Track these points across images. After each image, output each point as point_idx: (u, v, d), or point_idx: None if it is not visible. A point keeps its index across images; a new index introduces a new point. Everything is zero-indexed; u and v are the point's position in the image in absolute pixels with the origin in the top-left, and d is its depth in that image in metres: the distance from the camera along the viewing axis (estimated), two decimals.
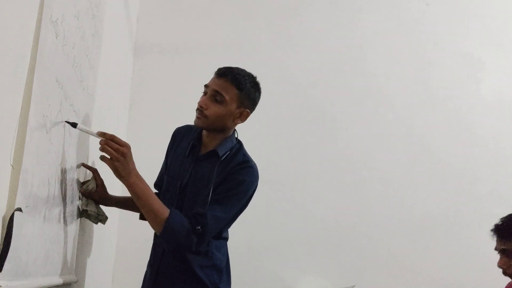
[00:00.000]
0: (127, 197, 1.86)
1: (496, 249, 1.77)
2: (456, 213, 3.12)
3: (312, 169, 3.15)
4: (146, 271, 1.89)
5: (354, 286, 2.80)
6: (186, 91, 3.16)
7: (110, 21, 2.21)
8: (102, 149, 1.50)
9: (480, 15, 3.39)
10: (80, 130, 1.53)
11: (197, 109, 1.73)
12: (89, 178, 1.85)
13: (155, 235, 1.82)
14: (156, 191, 1.96)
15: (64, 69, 1.44)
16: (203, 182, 1.72)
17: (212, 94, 1.72)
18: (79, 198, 1.78)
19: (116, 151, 1.48)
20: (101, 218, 1.84)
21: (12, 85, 1.09)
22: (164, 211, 1.60)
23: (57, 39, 1.34)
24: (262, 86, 1.87)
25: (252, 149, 2.24)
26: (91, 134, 1.57)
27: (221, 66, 1.81)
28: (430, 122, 3.24)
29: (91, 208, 1.80)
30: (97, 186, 1.81)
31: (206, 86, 1.76)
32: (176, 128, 1.96)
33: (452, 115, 3.26)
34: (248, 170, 1.74)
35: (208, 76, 1.81)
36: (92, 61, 1.83)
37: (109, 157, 1.50)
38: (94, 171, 1.83)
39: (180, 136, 1.90)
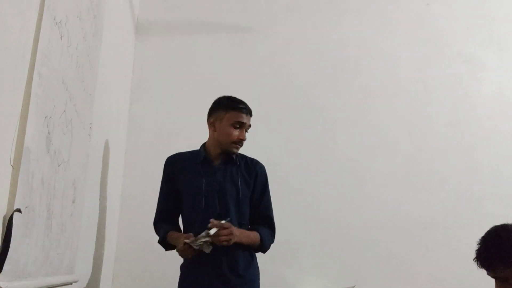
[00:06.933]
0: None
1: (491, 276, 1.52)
2: (456, 213, 3.11)
3: (312, 170, 3.14)
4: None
5: (354, 286, 2.80)
6: (185, 92, 3.16)
7: (110, 21, 2.21)
8: (218, 241, 1.88)
9: (480, 15, 3.39)
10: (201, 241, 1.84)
11: (239, 141, 2.12)
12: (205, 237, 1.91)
13: (197, 213, 2.05)
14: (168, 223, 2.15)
15: (69, 70, 1.45)
16: (231, 181, 2.13)
17: (247, 128, 2.16)
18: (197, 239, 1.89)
19: (228, 235, 1.90)
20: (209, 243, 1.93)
21: (12, 86, 1.09)
22: (257, 235, 2.09)
23: (62, 40, 1.34)
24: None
25: (252, 150, 2.25)
26: (207, 236, 1.85)
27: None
28: (430, 122, 3.24)
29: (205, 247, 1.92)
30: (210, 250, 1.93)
31: (242, 122, 2.12)
32: (168, 158, 2.20)
33: (452, 115, 3.26)
34: (262, 166, 2.22)
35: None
36: (92, 61, 1.83)
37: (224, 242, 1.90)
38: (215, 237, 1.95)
39: (180, 161, 2.18)
